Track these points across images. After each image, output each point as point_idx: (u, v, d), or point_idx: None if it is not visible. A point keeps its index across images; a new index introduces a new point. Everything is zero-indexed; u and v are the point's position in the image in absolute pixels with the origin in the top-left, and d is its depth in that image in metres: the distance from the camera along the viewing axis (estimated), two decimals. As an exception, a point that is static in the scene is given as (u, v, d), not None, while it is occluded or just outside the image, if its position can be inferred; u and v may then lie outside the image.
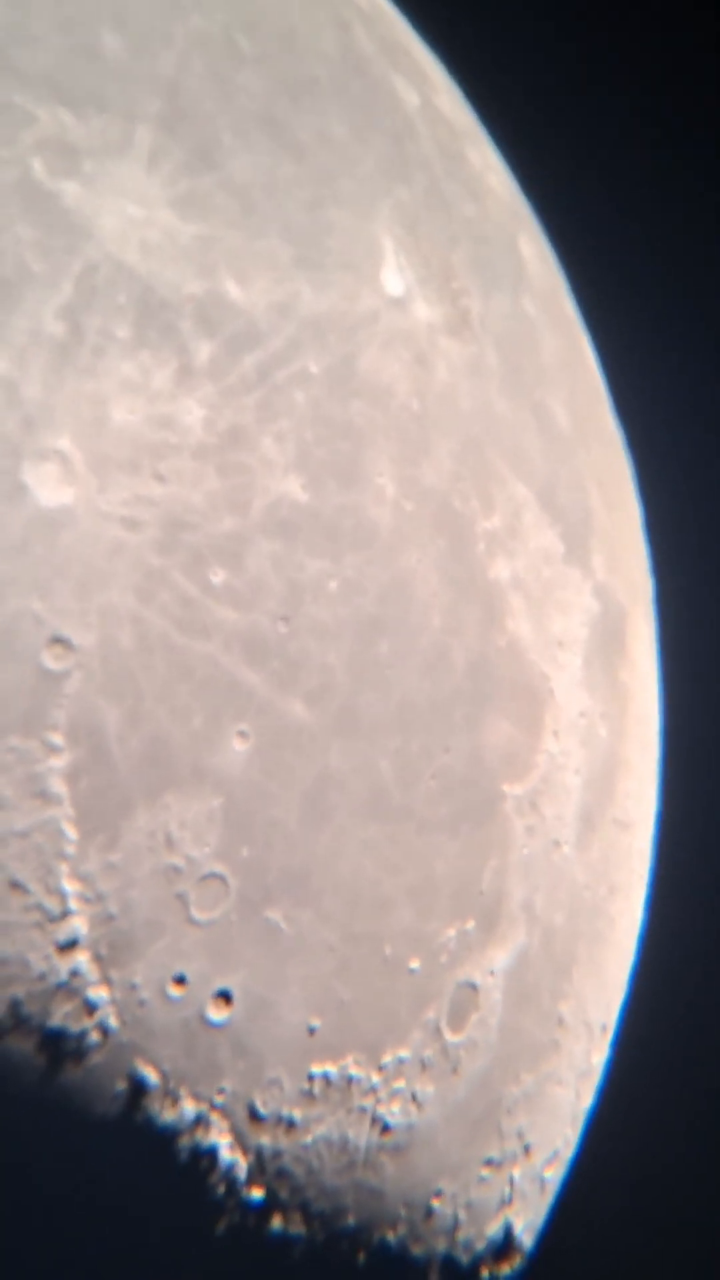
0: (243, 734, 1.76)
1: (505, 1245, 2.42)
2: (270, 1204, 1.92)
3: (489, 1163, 2.28)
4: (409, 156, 2.19)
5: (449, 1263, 2.27)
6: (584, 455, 2.48)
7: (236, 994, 1.79)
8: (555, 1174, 2.58)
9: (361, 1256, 2.07)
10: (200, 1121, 1.80)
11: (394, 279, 2.05)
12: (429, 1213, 2.17)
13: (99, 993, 1.67)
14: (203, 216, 1.78)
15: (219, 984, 1.78)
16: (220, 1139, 1.83)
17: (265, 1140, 1.87)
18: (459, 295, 2.18)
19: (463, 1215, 2.26)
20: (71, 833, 1.62)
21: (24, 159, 1.63)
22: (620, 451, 2.80)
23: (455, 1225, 2.25)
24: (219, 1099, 1.81)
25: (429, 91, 2.38)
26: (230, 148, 1.85)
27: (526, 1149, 2.38)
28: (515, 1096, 2.28)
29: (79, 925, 1.64)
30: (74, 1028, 1.66)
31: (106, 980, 1.67)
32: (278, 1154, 1.90)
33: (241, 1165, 1.86)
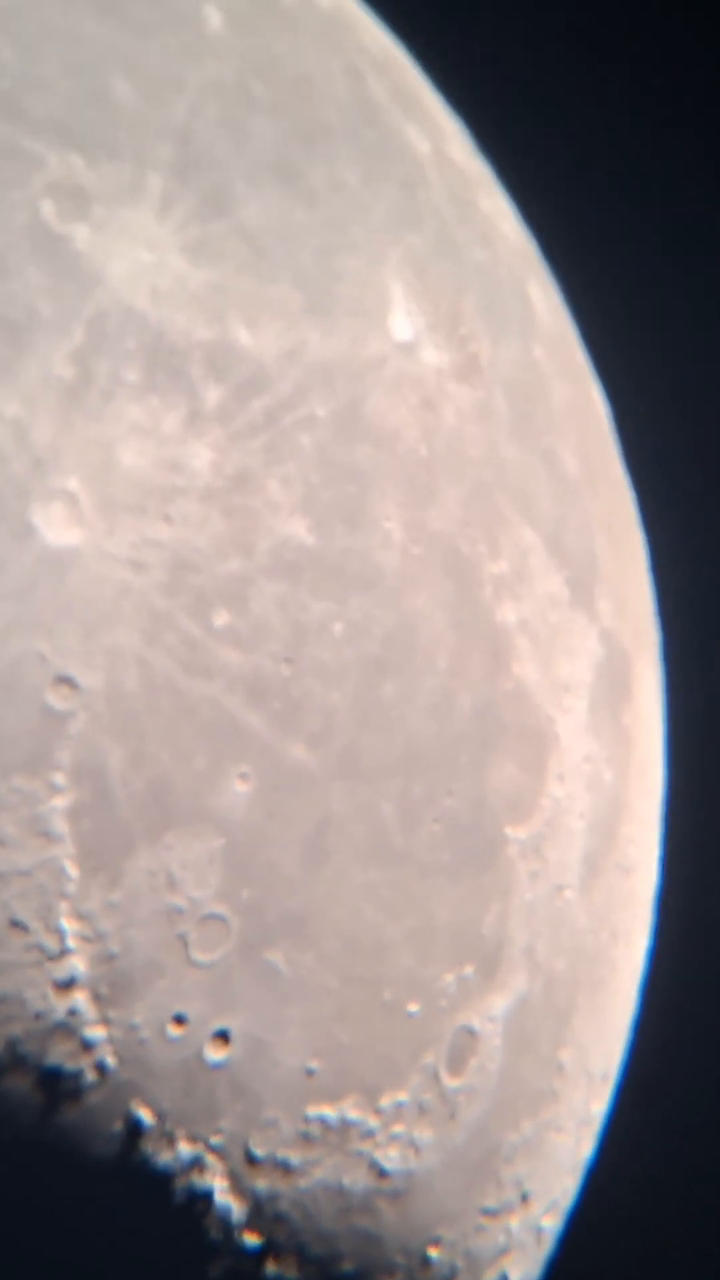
0: (244, 775, 1.76)
1: (502, 1295, 2.40)
2: (266, 1249, 1.91)
3: (487, 1211, 2.26)
4: (420, 203, 2.21)
5: (445, 1312, 2.25)
6: (591, 501, 2.49)
7: (235, 1035, 1.79)
8: (553, 1224, 2.56)
9: (357, 1304, 2.06)
10: (196, 1163, 1.79)
11: (403, 324, 2.07)
12: (426, 1261, 2.15)
13: (97, 1032, 1.67)
14: (214, 263, 1.80)
15: (218, 1025, 1.77)
16: (216, 1181, 1.82)
17: (262, 1183, 1.86)
18: (468, 340, 2.20)
19: (460, 1264, 2.24)
20: (73, 871, 1.62)
21: (34, 203, 1.65)
22: (628, 498, 2.81)
23: (452, 1274, 2.23)
24: (215, 1140, 1.80)
25: (440, 139, 2.41)
26: (242, 194, 1.87)
27: (525, 1198, 2.36)
28: (514, 1144, 2.26)
29: (78, 964, 1.64)
30: (71, 1067, 1.66)
31: (105, 1020, 1.67)
32: (274, 1197, 1.89)
33: (237, 1209, 1.85)
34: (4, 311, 1.59)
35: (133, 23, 1.84)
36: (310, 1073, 1.88)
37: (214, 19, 1.96)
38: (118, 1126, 1.71)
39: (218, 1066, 1.78)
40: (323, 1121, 1.91)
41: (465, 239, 2.31)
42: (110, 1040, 1.68)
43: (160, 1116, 1.74)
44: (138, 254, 1.72)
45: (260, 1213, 1.88)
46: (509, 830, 2.15)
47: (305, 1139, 1.89)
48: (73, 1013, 1.64)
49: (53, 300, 1.63)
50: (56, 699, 1.60)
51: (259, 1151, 1.84)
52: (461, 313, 2.21)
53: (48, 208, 1.65)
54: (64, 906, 1.61)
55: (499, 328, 2.32)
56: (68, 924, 1.62)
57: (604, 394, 2.84)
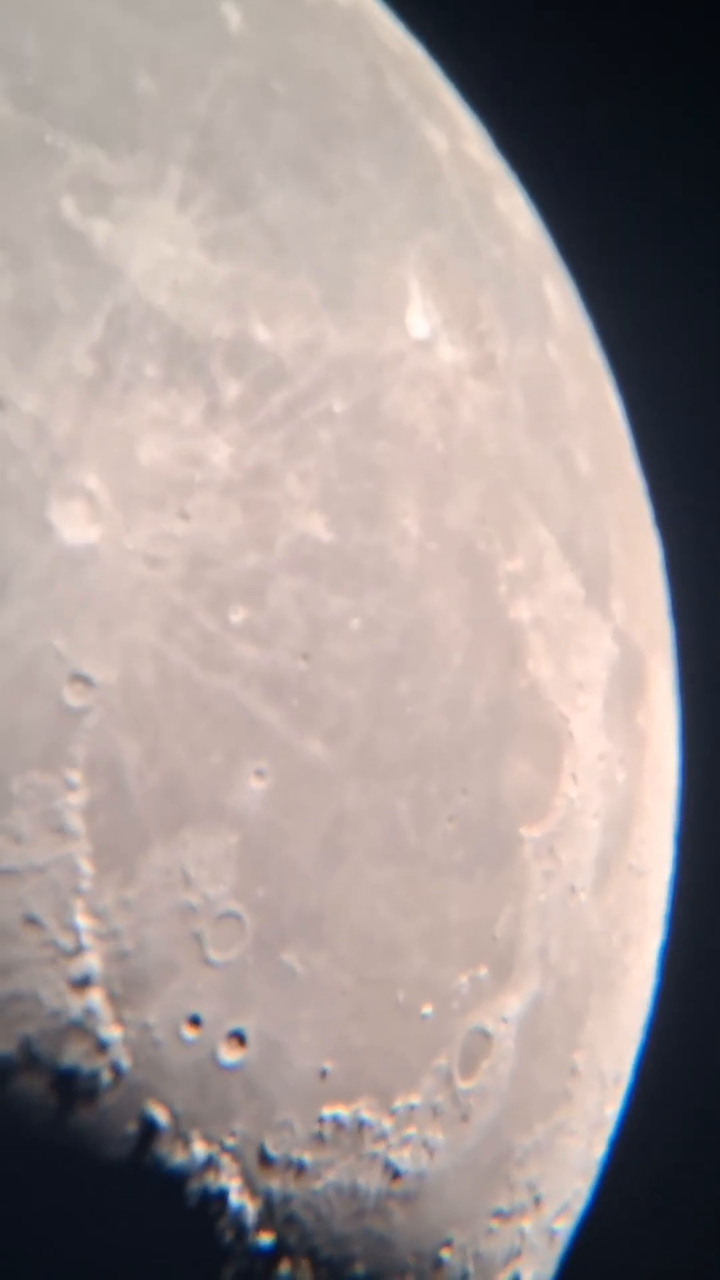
0: (260, 772, 1.75)
1: (514, 1298, 2.39)
2: (279, 1250, 1.90)
3: (499, 1214, 2.25)
4: (437, 200, 2.20)
5: (457, 1315, 2.24)
6: (606, 500, 2.48)
7: (250, 1036, 1.78)
8: (566, 1226, 2.55)
9: (369, 1306, 2.05)
10: (210, 1164, 1.78)
11: (420, 321, 2.06)
12: (438, 1263, 2.15)
13: (113, 1032, 1.66)
14: (233, 257, 1.80)
15: (233, 1025, 1.76)
16: (230, 1182, 1.81)
17: (275, 1184, 1.86)
18: (485, 338, 2.19)
19: (471, 1267, 2.23)
20: (88, 868, 1.61)
21: (56, 196, 1.65)
22: (642, 497, 2.80)
23: (464, 1276, 2.22)
24: (230, 1141, 1.80)
25: (458, 137, 2.40)
26: (262, 189, 1.87)
27: (537, 1200, 2.35)
28: (526, 1147, 2.25)
29: (93, 962, 1.63)
30: (86, 1067, 1.65)
31: (120, 1019, 1.66)
32: (287, 1199, 1.88)
33: (251, 1210, 1.84)
34: (24, 304, 1.59)
35: (155, 17, 1.84)
36: (324, 1074, 1.87)
37: (234, 16, 1.96)
38: (132, 1128, 1.70)
39: (232, 1068, 1.77)
40: (336, 1123, 1.90)
41: (482, 236, 2.30)
42: (125, 1041, 1.67)
43: (175, 1118, 1.73)
44: (158, 247, 1.71)
45: (273, 1214, 1.87)
46: (523, 830, 2.14)
47: (319, 1140, 1.88)
48: (89, 1012, 1.63)
49: (73, 293, 1.62)
50: (72, 695, 1.59)
51: (273, 1153, 1.84)
52: (479, 310, 2.20)
53: (69, 201, 1.65)
54: (79, 904, 1.60)
55: (516, 325, 2.31)
56: (83, 921, 1.61)
57: (619, 392, 2.83)
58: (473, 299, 2.19)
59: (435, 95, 2.43)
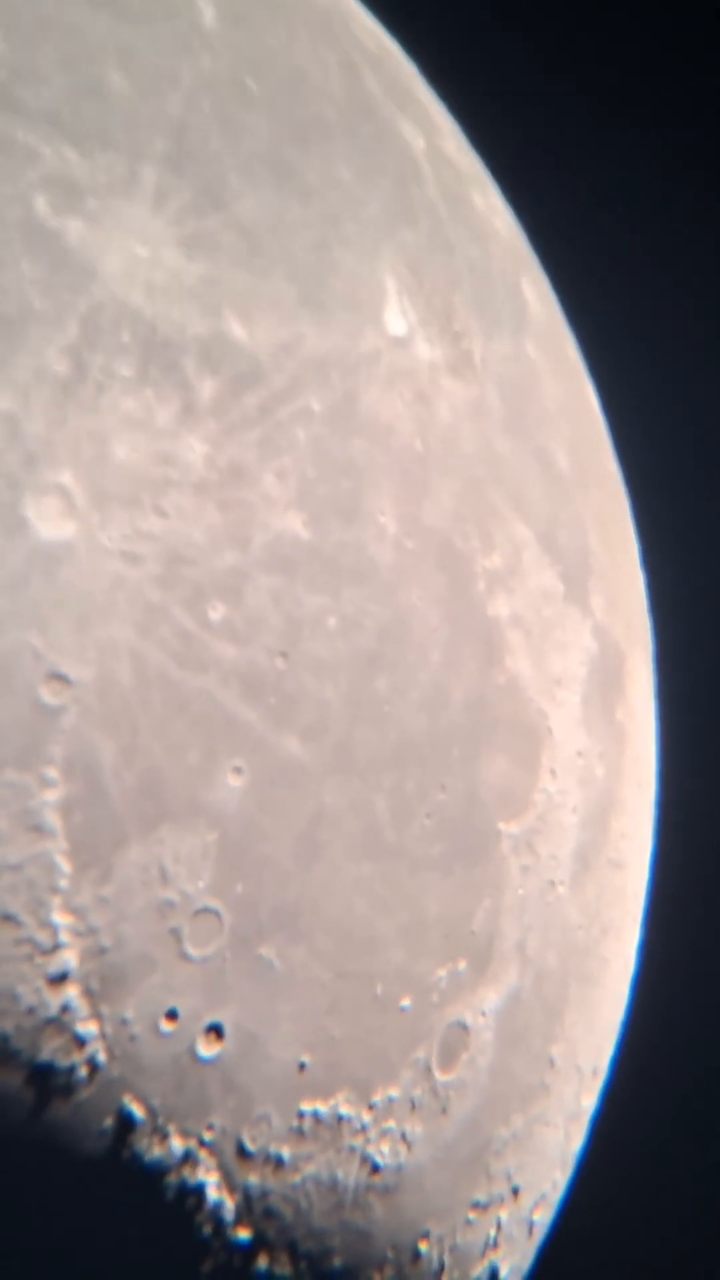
0: (238, 769, 1.76)
1: (492, 1289, 2.41)
2: (257, 1244, 1.91)
3: (476, 1205, 2.26)
4: (414, 199, 2.21)
5: (436, 1306, 2.25)
6: (584, 497, 2.49)
7: (228, 1030, 1.79)
8: (543, 1217, 2.56)
9: (348, 1299, 2.06)
10: (188, 1159, 1.79)
11: (397, 319, 2.07)
12: (416, 1255, 2.16)
13: (89, 1027, 1.66)
14: (208, 256, 1.80)
15: (210, 1019, 1.77)
16: (208, 1177, 1.82)
17: (253, 1179, 1.86)
18: (461, 336, 2.20)
19: (449, 1259, 2.24)
20: (65, 866, 1.61)
21: (28, 196, 1.64)
22: (620, 494, 2.81)
23: (441, 1269, 2.24)
24: (208, 1135, 1.80)
25: (435, 135, 2.41)
26: (236, 188, 1.87)
27: (515, 1191, 2.36)
28: (504, 1138, 2.26)
29: (70, 959, 1.63)
30: (63, 1062, 1.65)
31: (97, 1015, 1.66)
32: (265, 1193, 1.89)
33: (229, 1204, 1.85)
34: (-2, 304, 1.59)
35: (127, 15, 1.83)
36: (302, 1067, 1.88)
37: (208, 12, 1.96)
38: (109, 1122, 1.71)
39: (209, 1061, 1.78)
40: (315, 1117, 1.91)
41: (459, 235, 2.31)
42: (102, 1035, 1.67)
43: (152, 1112, 1.74)
44: (132, 247, 1.71)
45: (251, 1208, 1.88)
46: (501, 825, 2.15)
47: (297, 1134, 1.89)
48: (65, 1008, 1.63)
49: (46, 294, 1.62)
50: (49, 694, 1.59)
51: (251, 1147, 1.84)
52: (455, 308, 2.20)
53: (42, 201, 1.65)
54: (56, 901, 1.61)
55: (492, 324, 2.31)
56: (60, 918, 1.61)
57: (597, 390, 2.84)
58: (449, 297, 2.20)
59: (412, 93, 2.43)
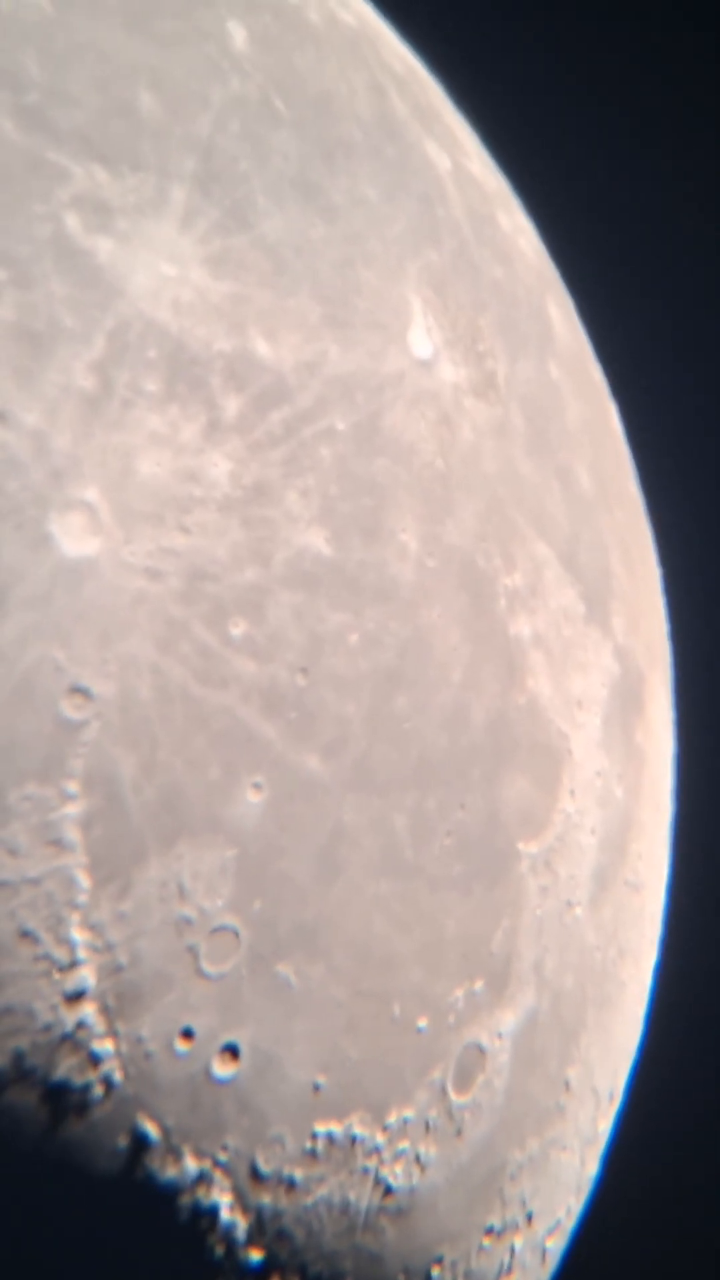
0: (258, 786, 1.75)
1: (505, 1315, 2.38)
2: (269, 1266, 1.89)
3: (490, 1230, 2.24)
4: (439, 219, 2.21)
5: (448, 1331, 2.23)
6: (606, 518, 2.48)
7: (244, 1049, 1.78)
8: (557, 1244, 2.54)
9: (360, 1322, 2.04)
10: (202, 1179, 1.78)
11: (421, 340, 2.07)
12: None
13: (105, 1045, 1.65)
14: (235, 275, 1.80)
15: (226, 1038, 1.76)
16: (221, 1198, 1.80)
17: (266, 1200, 1.85)
18: (485, 357, 2.20)
19: (464, 1283, 2.23)
20: (84, 881, 1.61)
21: (59, 215, 1.65)
22: (642, 516, 2.80)
23: (456, 1293, 2.22)
24: (221, 1156, 1.79)
25: (460, 156, 2.41)
26: (263, 208, 1.87)
27: (529, 1217, 2.34)
28: (519, 1162, 2.25)
29: (87, 975, 1.63)
30: (78, 1081, 1.64)
31: (113, 1033, 1.66)
32: (278, 1215, 1.87)
33: (241, 1225, 1.84)
34: (26, 322, 1.59)
35: (159, 38, 1.84)
36: (317, 1088, 1.87)
37: (238, 35, 1.97)
38: (123, 1142, 1.70)
39: (225, 1082, 1.77)
40: (329, 1138, 1.90)
41: (484, 256, 2.31)
42: (118, 1054, 1.66)
43: (166, 1132, 1.73)
44: (160, 266, 1.72)
45: (264, 1229, 1.86)
46: (520, 845, 2.14)
47: (311, 1155, 1.88)
48: (81, 1025, 1.63)
49: (75, 311, 1.63)
50: (71, 708, 1.59)
51: (265, 1168, 1.83)
52: (480, 329, 2.21)
53: (72, 220, 1.66)
54: (75, 917, 1.60)
55: (517, 345, 2.32)
56: (78, 934, 1.61)
57: (620, 412, 2.84)
58: (474, 318, 2.20)
59: (438, 114, 2.44)
